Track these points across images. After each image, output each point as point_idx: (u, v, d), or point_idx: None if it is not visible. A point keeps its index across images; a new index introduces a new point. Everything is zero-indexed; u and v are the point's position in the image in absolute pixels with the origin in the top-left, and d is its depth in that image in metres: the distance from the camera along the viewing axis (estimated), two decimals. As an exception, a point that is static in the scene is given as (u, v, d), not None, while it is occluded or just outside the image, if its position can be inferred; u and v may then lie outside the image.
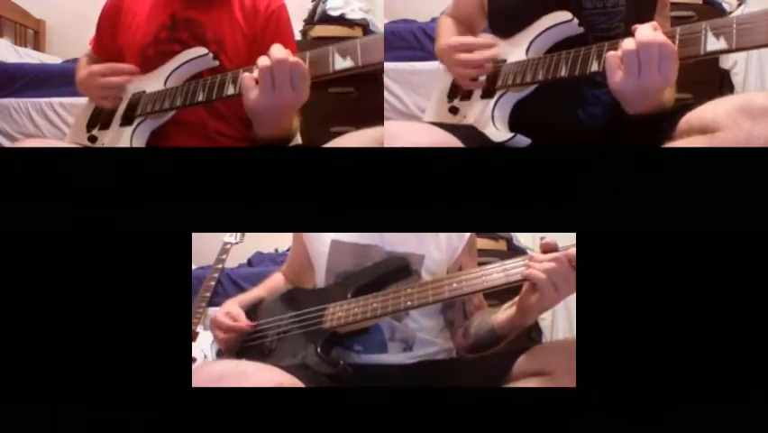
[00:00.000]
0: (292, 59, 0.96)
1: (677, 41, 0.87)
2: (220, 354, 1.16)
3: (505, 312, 1.01)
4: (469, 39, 1.14)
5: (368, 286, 1.04)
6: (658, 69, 0.86)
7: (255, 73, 0.98)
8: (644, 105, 0.92)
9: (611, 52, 0.90)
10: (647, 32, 0.86)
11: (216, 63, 1.12)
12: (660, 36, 0.86)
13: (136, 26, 1.22)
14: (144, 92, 1.14)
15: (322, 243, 1.11)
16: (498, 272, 0.94)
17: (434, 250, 1.08)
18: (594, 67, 0.93)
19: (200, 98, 1.06)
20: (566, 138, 1.02)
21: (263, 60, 0.97)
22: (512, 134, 0.99)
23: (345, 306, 1.02)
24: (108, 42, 1.28)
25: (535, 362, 0.92)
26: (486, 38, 1.15)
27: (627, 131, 0.98)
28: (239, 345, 1.10)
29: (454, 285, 0.95)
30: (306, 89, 0.98)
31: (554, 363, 0.89)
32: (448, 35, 1.21)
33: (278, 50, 0.97)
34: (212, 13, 1.19)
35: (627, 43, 0.88)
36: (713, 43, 0.85)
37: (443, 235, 1.09)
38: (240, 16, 1.18)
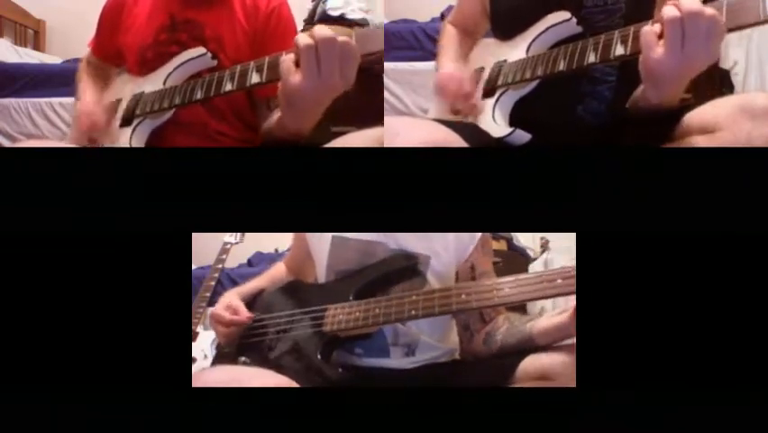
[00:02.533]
0: (340, 38, 0.86)
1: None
2: (220, 349, 1.15)
3: (549, 319, 0.96)
4: (455, 89, 1.11)
5: (371, 285, 1.02)
6: (704, 43, 0.79)
7: (292, 56, 0.89)
8: (675, 89, 0.87)
9: (647, 27, 0.83)
10: (693, 1, 0.79)
11: (215, 63, 1.12)
12: (708, 8, 0.79)
13: (136, 28, 1.22)
14: (143, 93, 1.14)
15: (322, 239, 1.10)
16: (512, 287, 0.91)
17: (442, 250, 1.06)
18: (591, 58, 0.92)
19: (198, 96, 1.05)
20: (566, 135, 1.02)
21: (305, 39, 0.86)
22: (512, 129, 0.99)
23: (347, 308, 1.00)
24: (108, 43, 1.28)
25: (538, 366, 0.92)
26: (483, 47, 1.15)
27: (628, 128, 0.98)
28: (239, 342, 1.10)
29: (463, 297, 0.93)
30: (353, 74, 0.87)
31: (557, 368, 0.89)
32: (449, 50, 1.21)
33: (322, 30, 0.86)
34: (212, 13, 1.18)
35: (669, 11, 0.79)
36: None
37: (451, 235, 1.07)
38: (240, 14, 1.18)
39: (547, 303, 2.22)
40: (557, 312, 0.97)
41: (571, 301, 0.90)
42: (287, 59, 0.89)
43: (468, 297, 0.92)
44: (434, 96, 1.18)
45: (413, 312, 0.94)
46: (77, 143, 1.20)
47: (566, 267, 0.88)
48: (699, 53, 0.80)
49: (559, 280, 0.88)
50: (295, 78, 0.88)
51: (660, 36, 0.82)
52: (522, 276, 0.92)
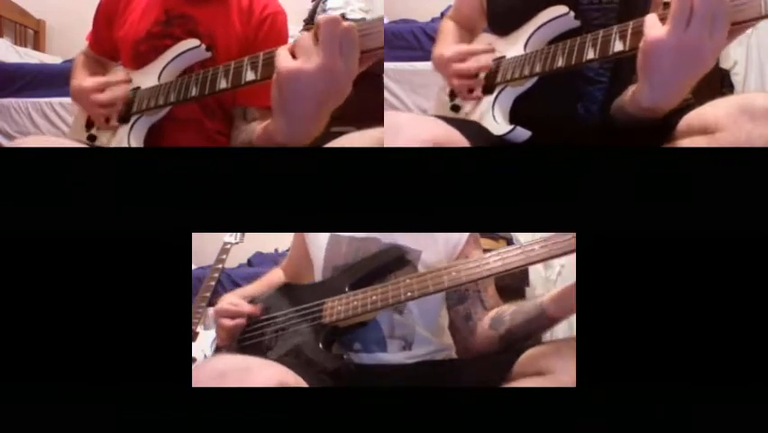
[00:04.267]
0: (345, 23, 0.81)
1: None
2: (219, 351, 1.15)
3: (557, 288, 0.99)
4: (463, 47, 1.13)
5: (365, 278, 1.04)
6: (710, 26, 0.77)
7: (289, 45, 0.86)
8: (671, 85, 0.83)
9: (653, 13, 0.83)
10: None
11: (209, 54, 1.11)
12: None
13: (131, 21, 1.23)
14: (139, 88, 1.14)
15: (320, 238, 1.11)
16: (496, 261, 0.95)
17: (432, 246, 1.08)
18: (590, 54, 0.92)
19: (193, 93, 1.04)
20: (566, 133, 1.02)
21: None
22: (511, 127, 1.00)
23: (344, 299, 1.02)
24: (104, 37, 1.29)
25: (536, 362, 0.92)
26: (481, 42, 1.14)
27: (627, 128, 0.98)
28: (237, 343, 1.10)
29: (453, 274, 0.96)
30: (355, 61, 0.81)
31: (555, 363, 0.89)
32: (448, 40, 1.21)
33: (327, 16, 0.82)
34: (207, 10, 1.19)
35: None
36: None
37: (440, 233, 1.09)
38: (235, 16, 1.18)
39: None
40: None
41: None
42: (283, 48, 0.85)
43: (458, 273, 0.95)
44: (439, 80, 1.17)
45: (408, 294, 0.97)
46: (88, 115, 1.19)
47: (544, 236, 0.93)
48: (703, 36, 0.78)
49: (536, 248, 0.92)
50: (291, 63, 0.82)
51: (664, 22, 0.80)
52: (503, 249, 0.96)
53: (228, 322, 1.10)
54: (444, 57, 1.12)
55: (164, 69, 1.12)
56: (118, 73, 1.22)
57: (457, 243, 1.10)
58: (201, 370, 0.83)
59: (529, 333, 1.01)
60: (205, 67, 1.05)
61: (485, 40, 1.17)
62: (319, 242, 1.12)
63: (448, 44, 1.19)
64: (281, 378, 0.83)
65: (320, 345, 0.99)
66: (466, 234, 1.12)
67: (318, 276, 1.12)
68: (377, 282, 1.02)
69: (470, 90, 1.08)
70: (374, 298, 0.99)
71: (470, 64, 1.08)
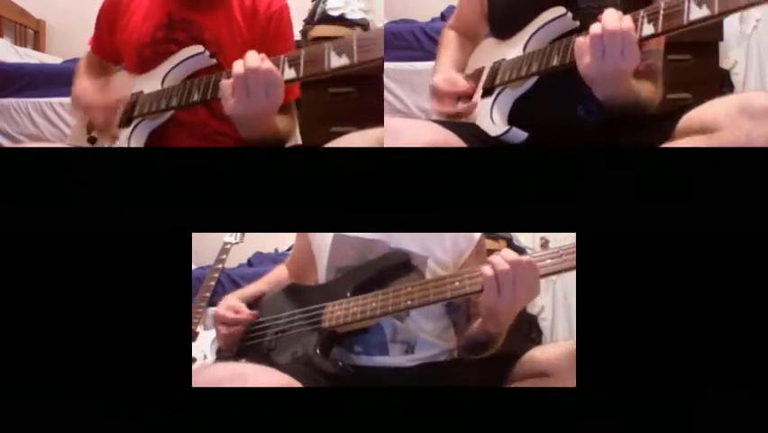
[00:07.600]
0: (265, 66, 0.96)
1: (660, 16, 0.88)
2: (220, 353, 1.15)
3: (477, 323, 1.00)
4: (449, 90, 1.14)
5: (368, 283, 1.03)
6: (621, 54, 0.89)
7: (231, 81, 0.98)
8: (611, 89, 0.94)
9: (580, 38, 0.92)
10: (612, 19, 0.89)
11: (213, 61, 1.12)
12: (624, 22, 0.89)
13: (133, 25, 1.22)
14: (142, 92, 1.14)
15: (324, 237, 1.11)
16: None
17: (439, 252, 1.07)
18: None
19: (195, 98, 1.05)
20: (565, 135, 1.02)
21: (237, 68, 0.97)
22: (507, 127, 0.99)
23: (344, 304, 1.01)
24: (106, 41, 1.28)
25: (536, 364, 0.92)
26: (482, 49, 1.15)
27: (626, 129, 0.98)
28: (239, 344, 1.10)
29: (456, 284, 0.95)
30: (279, 96, 0.99)
31: (555, 365, 0.89)
32: (448, 52, 1.21)
33: (252, 58, 0.97)
34: (210, 15, 1.18)
35: (594, 28, 0.90)
36: (696, 12, 0.85)
37: (448, 238, 1.08)
38: (239, 17, 1.18)
39: (548, 302, 2.23)
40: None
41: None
42: (225, 83, 1.00)
43: (461, 283, 0.94)
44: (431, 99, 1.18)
45: (409, 302, 0.96)
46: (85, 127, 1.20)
47: (548, 250, 0.92)
48: (616, 63, 0.90)
49: (548, 261, 0.91)
50: (229, 101, 0.99)
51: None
52: None
53: (224, 330, 1.11)
54: (432, 85, 1.15)
55: (167, 74, 1.12)
56: (120, 77, 1.22)
57: (463, 250, 1.09)
58: (197, 378, 0.83)
59: (481, 348, 1.00)
60: (211, 72, 1.06)
61: (486, 47, 1.17)
62: (323, 242, 1.11)
63: (444, 63, 1.20)
64: (276, 384, 0.83)
65: (317, 350, 0.98)
66: (474, 242, 1.10)
67: (322, 277, 1.11)
68: (381, 288, 1.01)
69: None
70: (374, 305, 0.98)
71: (448, 109, 1.11)
